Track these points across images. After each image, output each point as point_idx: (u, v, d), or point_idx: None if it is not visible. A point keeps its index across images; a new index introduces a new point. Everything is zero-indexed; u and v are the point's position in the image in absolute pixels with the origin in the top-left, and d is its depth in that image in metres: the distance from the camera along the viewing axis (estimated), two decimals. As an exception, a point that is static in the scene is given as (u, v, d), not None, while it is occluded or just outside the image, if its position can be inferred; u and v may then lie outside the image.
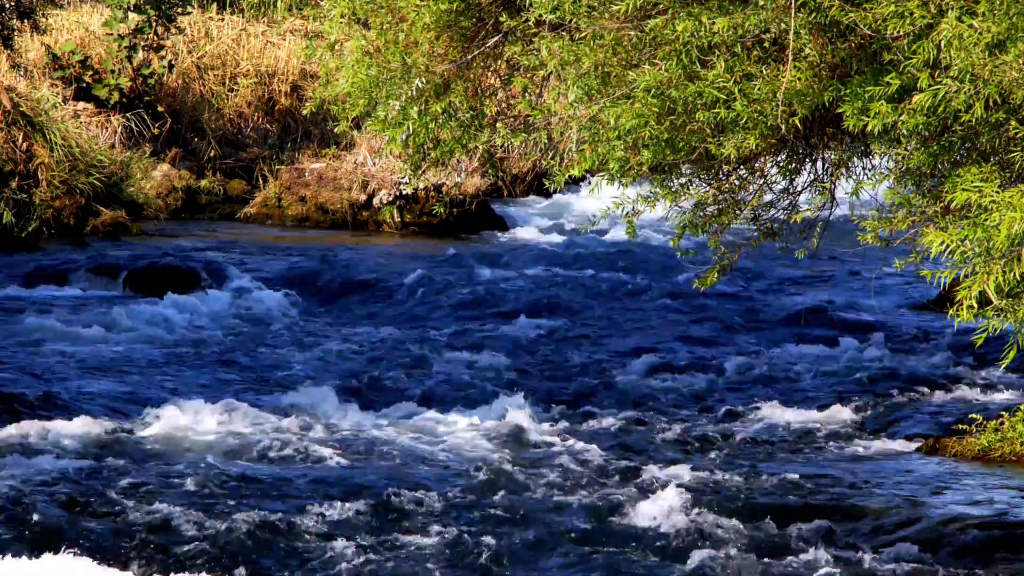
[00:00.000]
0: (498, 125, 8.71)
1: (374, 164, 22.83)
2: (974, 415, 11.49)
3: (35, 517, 9.01)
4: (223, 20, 26.56)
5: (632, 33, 7.53)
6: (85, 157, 20.58)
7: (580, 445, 11.26)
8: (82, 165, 20.47)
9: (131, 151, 22.62)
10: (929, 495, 10.19)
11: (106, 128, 23.19)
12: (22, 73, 23.39)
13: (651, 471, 10.47)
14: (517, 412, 12.07)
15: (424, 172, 9.03)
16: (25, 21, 22.20)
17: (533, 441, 11.40)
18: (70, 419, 11.37)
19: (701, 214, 8.86)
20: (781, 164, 8.89)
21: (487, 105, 8.63)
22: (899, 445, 11.68)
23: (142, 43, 23.86)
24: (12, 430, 11.03)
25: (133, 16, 23.79)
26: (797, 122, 7.56)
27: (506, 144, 8.64)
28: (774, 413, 12.51)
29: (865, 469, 10.96)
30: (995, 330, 7.59)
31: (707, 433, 11.88)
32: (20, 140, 19.99)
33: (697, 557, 8.79)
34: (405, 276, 18.14)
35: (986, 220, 6.99)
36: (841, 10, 7.23)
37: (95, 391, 12.63)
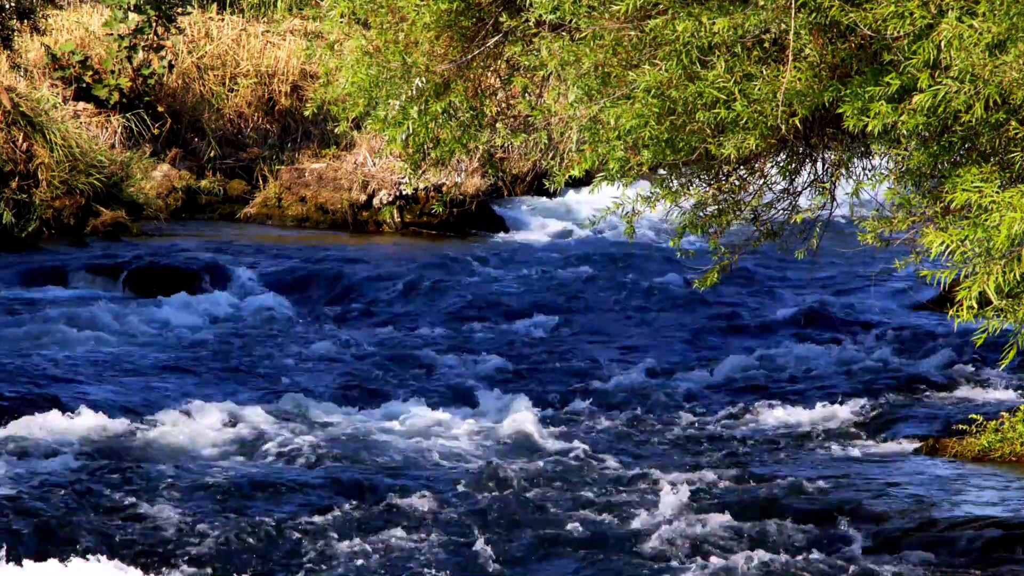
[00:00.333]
0: (498, 125, 8.71)
1: (374, 164, 22.83)
2: (974, 415, 11.49)
3: (35, 517, 9.01)
4: (223, 20, 26.56)
5: (632, 33, 7.52)
6: (85, 157, 20.58)
7: (579, 445, 11.25)
8: (82, 165, 20.47)
9: (131, 151, 22.62)
10: (929, 496, 10.19)
11: (106, 128, 23.18)
12: (22, 73, 23.39)
13: (650, 471, 10.47)
14: (517, 412, 12.07)
15: (424, 172, 9.03)
16: (25, 22, 22.20)
17: (533, 441, 11.40)
18: (70, 419, 11.36)
19: (701, 214, 8.85)
20: (781, 164, 8.89)
21: (487, 105, 8.63)
22: (899, 445, 11.67)
23: (142, 43, 23.86)
24: (12, 430, 11.03)
25: (133, 16, 23.78)
26: (797, 122, 7.56)
27: (506, 144, 8.64)
28: (774, 413, 12.51)
29: (865, 469, 10.96)
30: (995, 330, 7.59)
31: (706, 433, 11.87)
32: (20, 140, 19.99)
33: (696, 557, 8.79)
34: (405, 276, 18.14)
35: (986, 220, 6.99)
36: (841, 10, 7.23)
37: (95, 391, 12.62)
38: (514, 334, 15.59)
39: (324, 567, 8.61)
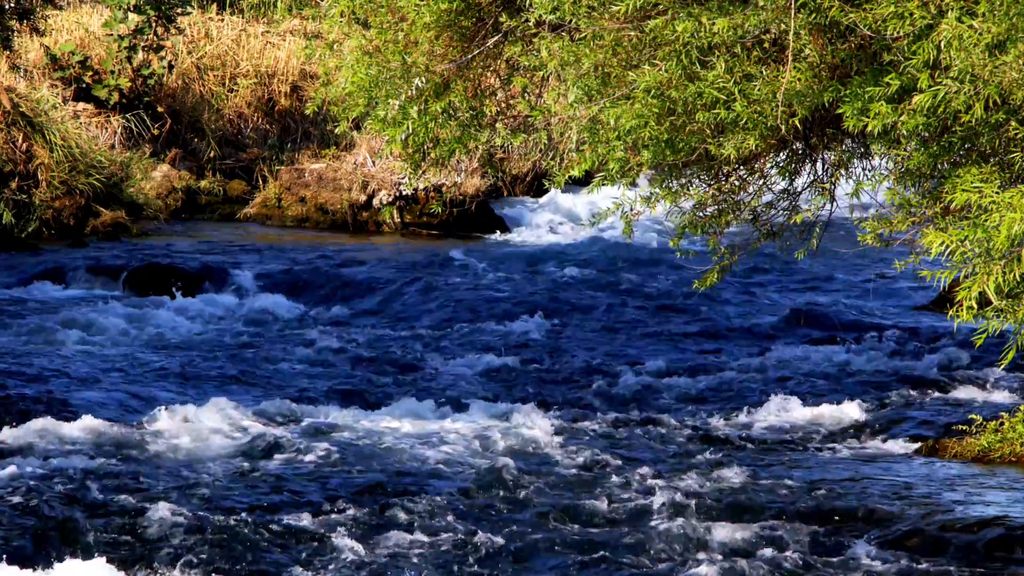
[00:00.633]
0: (498, 125, 8.71)
1: (374, 165, 22.83)
2: (974, 416, 11.49)
3: (35, 518, 9.01)
4: (223, 21, 26.56)
5: (632, 34, 7.53)
6: (85, 158, 20.58)
7: (579, 446, 11.25)
8: (82, 166, 20.47)
9: (131, 152, 22.62)
10: (929, 496, 10.19)
11: (106, 129, 23.18)
12: (22, 74, 23.39)
13: (650, 472, 10.47)
14: (516, 412, 12.07)
15: (424, 172, 9.03)
16: (24, 22, 22.20)
17: (532, 442, 11.39)
18: (69, 419, 11.36)
19: (701, 214, 8.86)
20: (781, 165, 8.89)
21: (487, 105, 8.64)
22: (899, 446, 11.67)
23: (142, 44, 23.86)
24: (11, 430, 11.03)
25: (133, 17, 23.78)
26: (797, 123, 7.56)
27: (506, 144, 8.64)
28: (773, 414, 12.51)
29: (864, 470, 10.95)
30: (995, 331, 7.59)
31: (706, 434, 11.87)
32: (20, 141, 19.99)
33: (696, 558, 8.79)
34: (405, 277, 18.14)
35: (986, 221, 6.99)
36: (841, 11, 7.23)
37: (95, 391, 12.62)
38: (514, 335, 15.59)
39: (324, 567, 8.61)
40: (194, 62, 25.34)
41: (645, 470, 10.51)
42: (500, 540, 9.00)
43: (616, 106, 7.59)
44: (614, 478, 10.34)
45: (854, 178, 8.55)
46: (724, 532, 9.19)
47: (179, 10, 24.13)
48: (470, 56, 8.39)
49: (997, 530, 9.29)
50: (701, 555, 8.85)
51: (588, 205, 23.73)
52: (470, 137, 8.62)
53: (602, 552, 8.89)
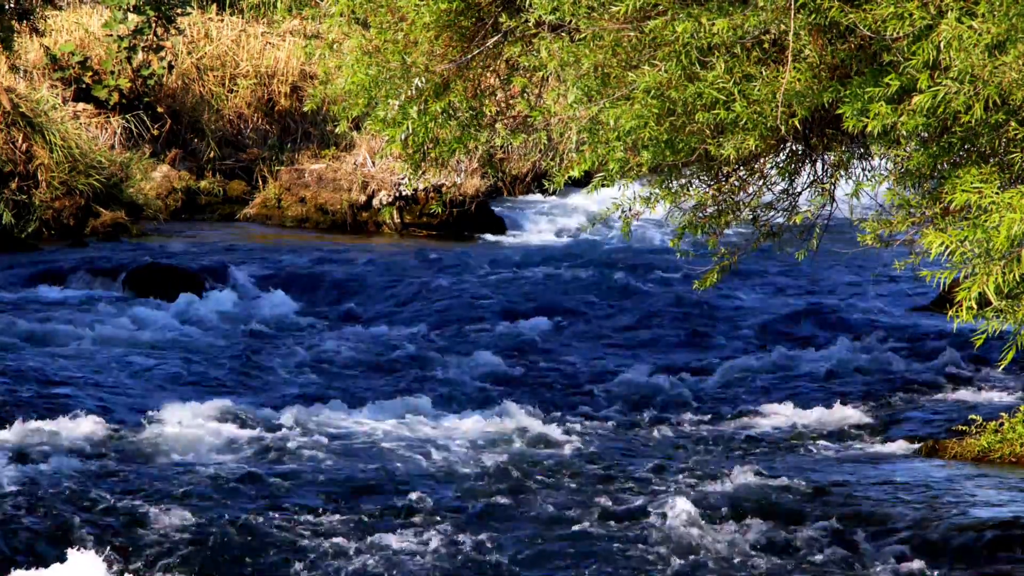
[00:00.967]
0: (498, 125, 8.71)
1: (374, 165, 22.83)
2: (973, 416, 11.49)
3: (35, 518, 9.01)
4: (223, 21, 26.56)
5: (632, 34, 7.53)
6: (85, 158, 20.59)
7: (579, 446, 11.25)
8: (82, 166, 20.47)
9: (131, 152, 22.62)
10: (928, 497, 10.19)
11: (106, 129, 23.19)
12: (22, 74, 23.39)
13: (650, 472, 10.47)
14: (516, 413, 12.07)
15: (424, 172, 9.03)
16: (24, 23, 22.21)
17: (532, 442, 11.40)
18: (69, 420, 11.36)
19: (701, 215, 8.86)
20: (781, 165, 8.89)
21: (487, 105, 8.64)
22: (899, 446, 11.67)
23: (142, 44, 23.86)
24: (11, 431, 11.03)
25: (133, 17, 23.79)
26: (797, 123, 7.56)
27: (506, 144, 8.64)
28: (773, 414, 12.51)
29: (864, 470, 10.96)
30: (995, 331, 7.59)
31: (706, 434, 11.87)
32: (20, 141, 19.99)
33: (696, 558, 8.79)
34: (404, 277, 18.14)
35: (986, 221, 6.99)
36: (841, 11, 7.23)
37: (94, 392, 12.62)
38: (513, 335, 15.59)
39: (324, 568, 8.61)
40: (194, 62, 25.35)
41: (645, 470, 10.52)
42: (500, 541, 9.00)
43: (616, 106, 7.59)
44: (614, 478, 10.34)
45: (854, 179, 8.56)
46: (724, 532, 9.19)
47: (179, 10, 24.14)
48: (470, 56, 8.39)
49: (997, 530, 9.29)
50: (701, 555, 8.85)
51: (588, 206, 23.74)
52: (470, 137, 8.62)
53: (602, 552, 8.89)
